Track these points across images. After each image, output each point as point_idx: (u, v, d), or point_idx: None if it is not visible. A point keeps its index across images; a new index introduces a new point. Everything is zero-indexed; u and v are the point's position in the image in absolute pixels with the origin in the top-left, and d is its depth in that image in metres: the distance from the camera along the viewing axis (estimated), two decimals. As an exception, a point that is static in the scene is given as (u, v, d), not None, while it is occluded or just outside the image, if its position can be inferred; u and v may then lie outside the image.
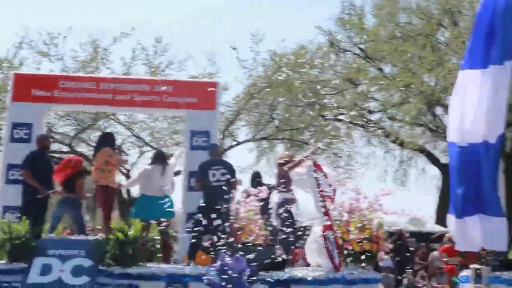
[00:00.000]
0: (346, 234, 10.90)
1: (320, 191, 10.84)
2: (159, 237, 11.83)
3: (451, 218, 10.68)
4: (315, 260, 11.20)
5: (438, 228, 25.51)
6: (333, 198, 11.15)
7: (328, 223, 10.57)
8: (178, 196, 12.22)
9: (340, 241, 10.77)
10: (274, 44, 54.03)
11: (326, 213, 10.69)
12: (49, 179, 11.63)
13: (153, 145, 27.52)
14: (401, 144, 28.59)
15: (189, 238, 11.09)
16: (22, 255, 10.42)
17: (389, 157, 30.82)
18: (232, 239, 10.78)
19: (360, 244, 10.82)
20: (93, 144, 27.66)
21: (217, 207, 10.78)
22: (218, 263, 10.02)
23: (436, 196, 30.18)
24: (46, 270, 10.28)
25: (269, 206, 11.80)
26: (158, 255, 11.85)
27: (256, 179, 13.04)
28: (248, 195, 11.95)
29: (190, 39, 42.70)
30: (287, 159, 11.96)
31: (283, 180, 11.84)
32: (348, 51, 30.76)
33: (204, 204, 11.00)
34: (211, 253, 10.75)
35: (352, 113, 27.76)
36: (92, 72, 23.71)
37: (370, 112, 30.22)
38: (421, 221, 27.62)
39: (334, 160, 30.13)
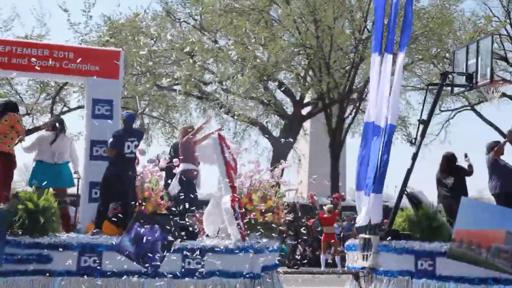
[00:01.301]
0: (249, 204, 11.53)
1: (226, 162, 11.38)
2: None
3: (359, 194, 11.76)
4: (212, 229, 11.78)
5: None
6: (236, 170, 11.70)
7: (234, 194, 11.17)
8: (80, 165, 12.20)
9: (243, 211, 11.42)
10: (109, 9, 53.25)
11: (232, 184, 11.27)
12: None
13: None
14: (235, 116, 29.53)
15: (98, 207, 11.22)
16: None
17: (224, 128, 31.57)
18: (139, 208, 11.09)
19: (263, 214, 11.50)
20: None
21: (126, 176, 11.03)
22: (132, 232, 10.25)
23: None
24: None
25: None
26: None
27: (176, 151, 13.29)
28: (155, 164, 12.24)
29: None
30: (190, 131, 12.41)
31: (185, 151, 12.24)
32: (184, 21, 31.15)
33: (113, 173, 11.12)
34: (117, 221, 11.00)
35: (188, 84, 28.33)
36: None
37: (206, 83, 30.93)
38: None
39: (170, 131, 30.68)
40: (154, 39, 30.27)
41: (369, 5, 28.75)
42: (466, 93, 29.53)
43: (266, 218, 11.55)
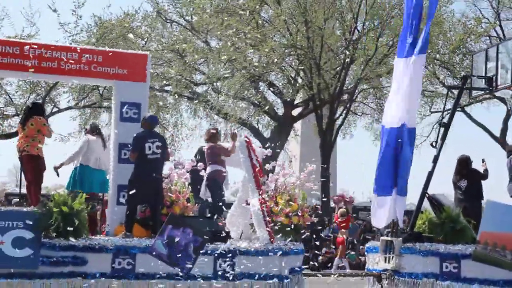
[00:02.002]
0: (274, 207, 11.82)
1: (252, 165, 11.70)
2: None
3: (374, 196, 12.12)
4: (235, 231, 12.06)
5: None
6: (262, 173, 12.00)
7: (261, 197, 11.48)
8: (111, 168, 12.42)
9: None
10: (99, 9, 53.15)
11: (259, 187, 11.58)
12: None
13: None
14: (226, 117, 29.71)
15: (126, 210, 11.46)
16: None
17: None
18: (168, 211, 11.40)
19: (289, 217, 11.79)
20: None
21: (151, 179, 11.27)
22: (165, 234, 10.48)
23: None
24: (-17, 242, 10.15)
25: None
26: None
27: (201, 154, 13.54)
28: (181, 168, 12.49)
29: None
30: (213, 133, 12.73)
31: (211, 155, 12.52)
32: (175, 22, 31.27)
33: (138, 176, 11.35)
34: (146, 224, 11.26)
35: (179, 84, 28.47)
36: None
37: (197, 84, 31.11)
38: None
39: (160, 132, 30.81)
40: (145, 40, 30.39)
41: (359, 7, 29.07)
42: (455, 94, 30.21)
43: (291, 221, 11.79)
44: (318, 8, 28.50)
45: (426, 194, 12.37)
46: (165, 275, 10.47)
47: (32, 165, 11.72)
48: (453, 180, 13.54)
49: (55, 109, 30.87)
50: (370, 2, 28.43)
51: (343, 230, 20.42)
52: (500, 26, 31.57)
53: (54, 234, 10.40)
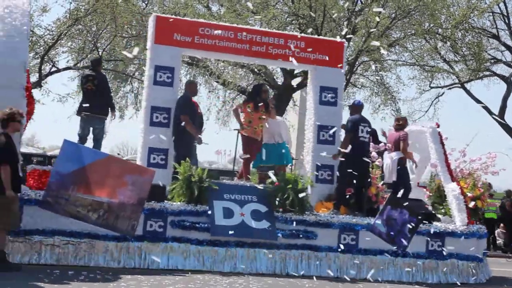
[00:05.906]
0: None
1: (444, 152, 13.15)
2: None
3: None
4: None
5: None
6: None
7: (453, 182, 12.94)
8: (309, 148, 13.69)
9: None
10: None
11: (450, 172, 13.04)
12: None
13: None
14: (224, 84, 30.46)
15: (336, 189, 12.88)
16: (201, 198, 11.32)
17: (213, 96, 32.35)
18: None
19: (474, 201, 13.18)
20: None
21: (362, 161, 12.56)
22: (385, 214, 11.74)
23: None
24: (228, 213, 11.40)
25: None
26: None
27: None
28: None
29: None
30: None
31: (397, 142, 13.85)
32: (178, -15, 31.67)
33: (350, 156, 12.53)
34: (348, 203, 12.50)
35: None
36: None
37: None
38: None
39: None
40: (146, 2, 30.72)
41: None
42: (457, 70, 31.81)
43: (476, 205, 13.11)
44: (322, -24, 28.96)
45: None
46: (385, 251, 11.83)
47: (245, 144, 13.20)
48: None
49: (53, 69, 31.06)
50: (374, -27, 29.06)
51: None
52: (504, 2, 32.11)
53: (289, 209, 11.66)
